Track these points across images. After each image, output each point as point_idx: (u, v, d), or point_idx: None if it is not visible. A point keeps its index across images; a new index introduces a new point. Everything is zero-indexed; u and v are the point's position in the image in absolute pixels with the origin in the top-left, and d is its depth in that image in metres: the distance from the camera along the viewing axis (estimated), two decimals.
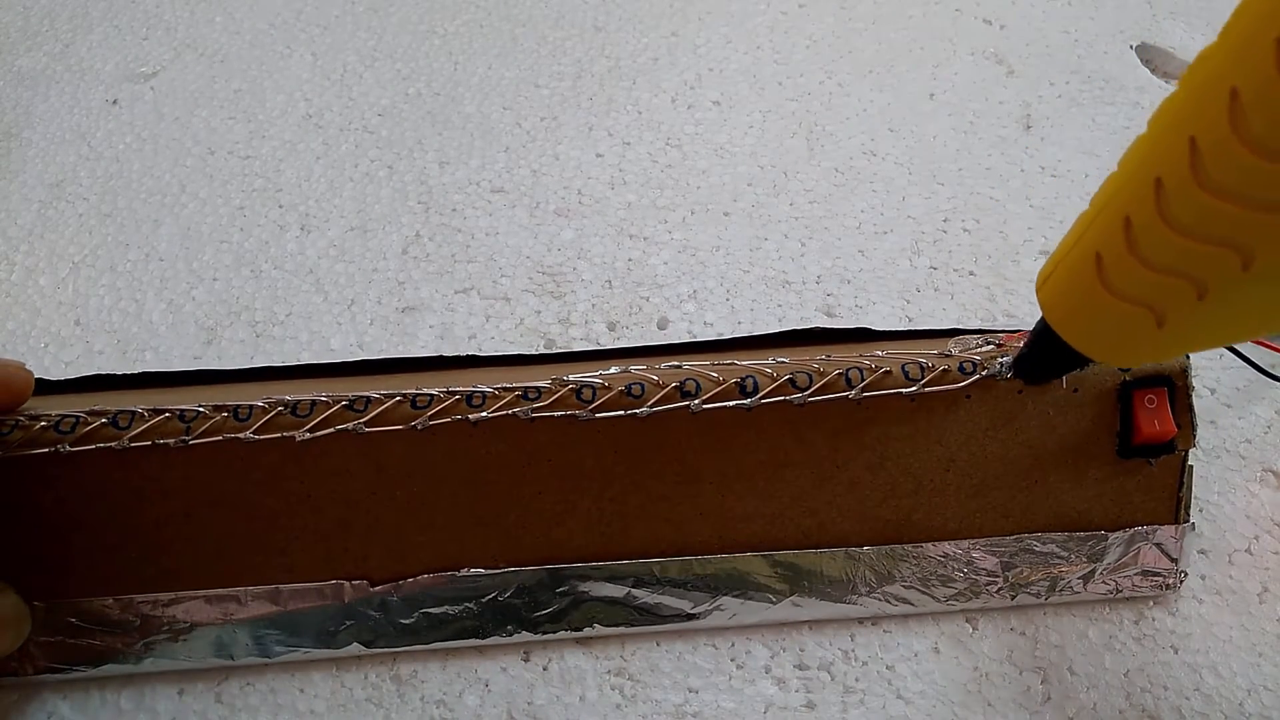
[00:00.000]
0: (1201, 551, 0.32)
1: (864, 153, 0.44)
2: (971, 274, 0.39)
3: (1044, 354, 0.24)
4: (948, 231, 0.41)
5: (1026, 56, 0.49)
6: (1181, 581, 0.30)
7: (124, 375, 0.32)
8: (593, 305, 0.38)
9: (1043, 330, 0.23)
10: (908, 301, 0.38)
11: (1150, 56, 0.50)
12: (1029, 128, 0.46)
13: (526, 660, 0.30)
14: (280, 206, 0.42)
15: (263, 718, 0.29)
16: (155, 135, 0.46)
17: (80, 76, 0.49)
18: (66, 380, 0.31)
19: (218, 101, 0.47)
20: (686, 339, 0.37)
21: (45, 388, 0.30)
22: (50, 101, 0.48)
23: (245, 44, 0.50)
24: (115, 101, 0.47)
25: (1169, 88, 0.48)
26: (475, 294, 0.39)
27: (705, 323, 0.38)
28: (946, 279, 0.39)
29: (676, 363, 0.29)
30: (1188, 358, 0.29)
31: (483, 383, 0.28)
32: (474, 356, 0.33)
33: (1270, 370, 0.34)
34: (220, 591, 0.28)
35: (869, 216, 0.41)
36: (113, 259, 0.40)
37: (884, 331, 0.33)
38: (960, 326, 0.33)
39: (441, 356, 0.32)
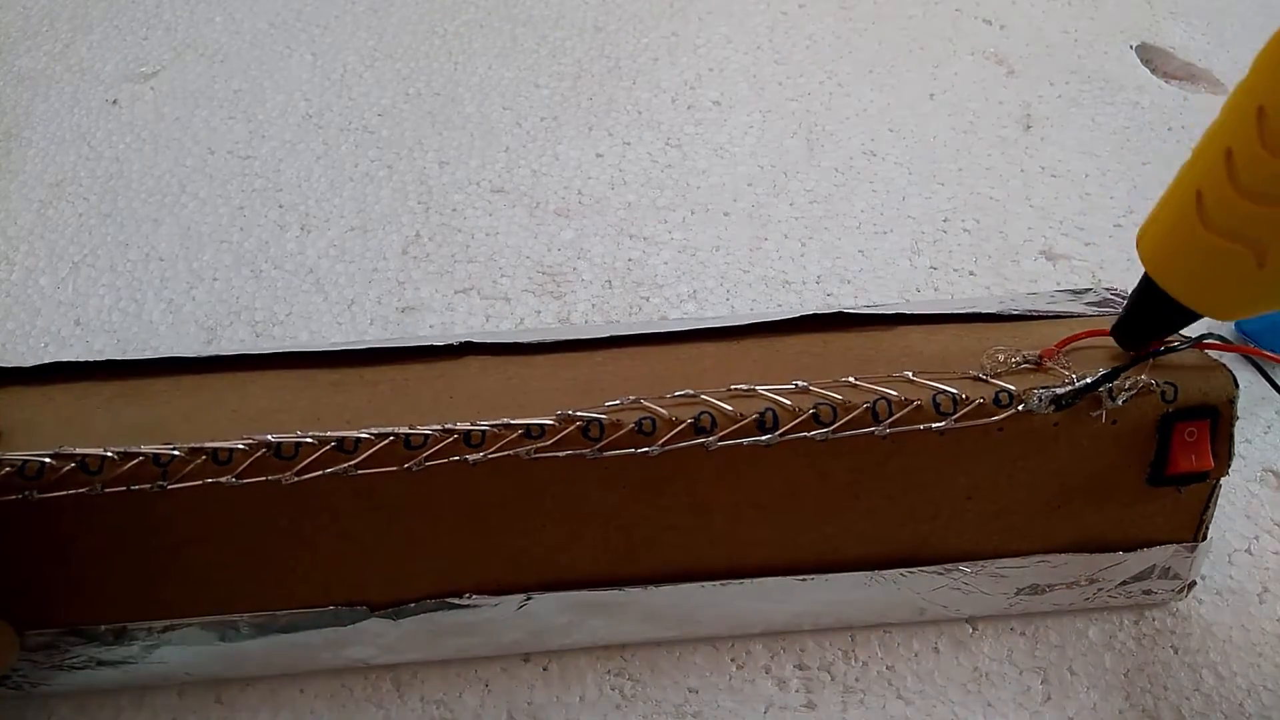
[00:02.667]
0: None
1: (864, 153, 0.44)
2: (971, 274, 0.39)
3: (1145, 313, 0.24)
4: (948, 231, 0.41)
5: (1026, 56, 0.49)
6: (1189, 591, 0.30)
7: (88, 362, 0.30)
8: (593, 305, 0.38)
9: (1144, 287, 0.23)
10: (908, 301, 0.38)
11: (1150, 56, 0.50)
12: (1029, 128, 0.46)
13: (526, 660, 0.30)
14: (280, 206, 0.42)
15: (262, 718, 0.29)
16: (155, 135, 0.46)
17: (80, 76, 0.49)
18: (28, 368, 0.29)
19: (218, 101, 0.47)
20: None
21: (7, 377, 0.29)
22: (50, 101, 0.48)
23: (245, 44, 0.50)
24: (115, 101, 0.47)
25: (1169, 88, 0.48)
26: (475, 294, 0.39)
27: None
28: (946, 279, 0.39)
29: (691, 391, 0.26)
30: (1237, 387, 0.27)
31: (481, 416, 0.26)
32: (469, 344, 0.31)
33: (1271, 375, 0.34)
34: (216, 619, 0.27)
35: (869, 216, 0.41)
36: (113, 259, 0.40)
37: (915, 315, 0.30)
38: (997, 308, 0.31)
39: (434, 345, 0.30)
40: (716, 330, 0.30)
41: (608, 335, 0.30)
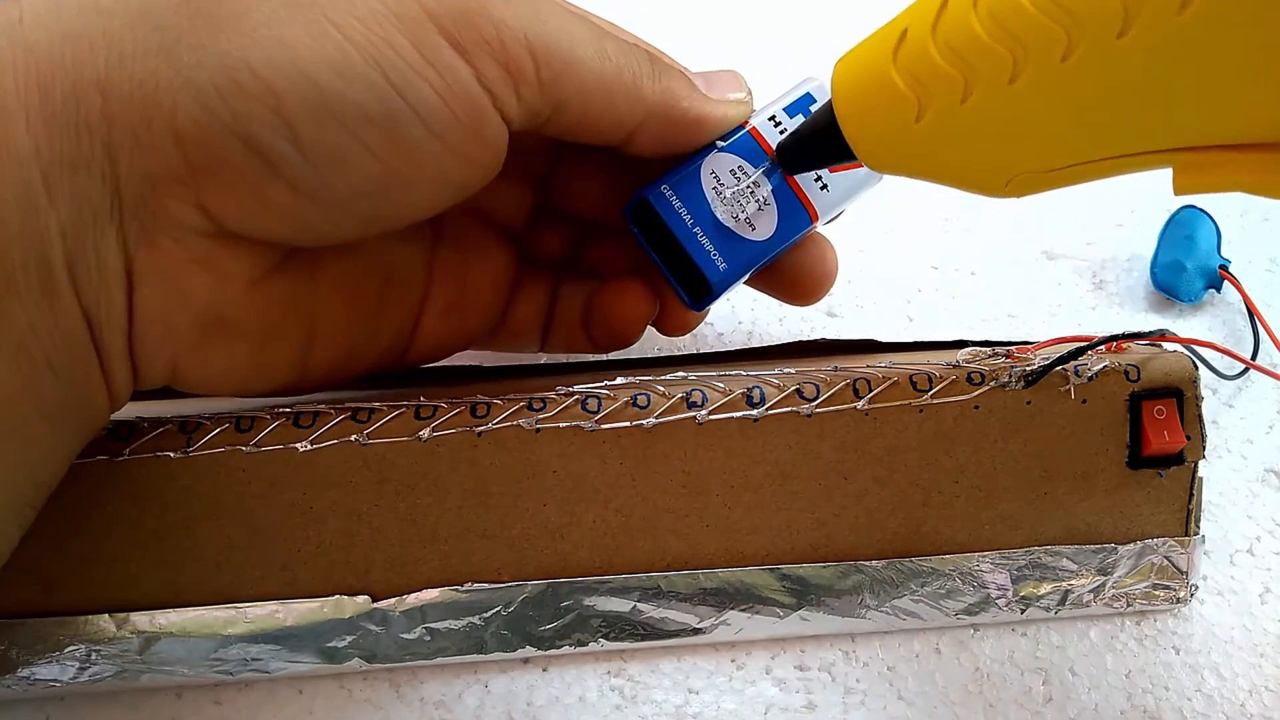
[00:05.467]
0: (1203, 552, 0.32)
1: None
2: (972, 274, 0.39)
3: (813, 136, 0.25)
4: (948, 232, 0.41)
5: None
6: (1192, 595, 0.30)
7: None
8: None
9: (824, 109, 0.24)
10: (908, 301, 0.38)
11: None
12: None
13: (526, 661, 0.30)
14: None
15: (262, 718, 0.29)
16: None
17: None
18: None
19: None
20: (687, 339, 0.37)
21: None
22: None
23: None
24: None
25: None
26: None
27: (705, 321, 0.37)
28: (946, 279, 0.39)
29: (683, 374, 0.28)
30: (1196, 368, 0.29)
31: (487, 394, 0.28)
32: (478, 368, 0.33)
33: (1272, 369, 0.34)
34: (219, 607, 0.28)
35: (869, 216, 0.41)
36: None
37: (891, 344, 0.33)
38: (967, 338, 0.33)
39: (443, 367, 0.32)
40: (703, 356, 0.32)
41: (593, 360, 0.32)
